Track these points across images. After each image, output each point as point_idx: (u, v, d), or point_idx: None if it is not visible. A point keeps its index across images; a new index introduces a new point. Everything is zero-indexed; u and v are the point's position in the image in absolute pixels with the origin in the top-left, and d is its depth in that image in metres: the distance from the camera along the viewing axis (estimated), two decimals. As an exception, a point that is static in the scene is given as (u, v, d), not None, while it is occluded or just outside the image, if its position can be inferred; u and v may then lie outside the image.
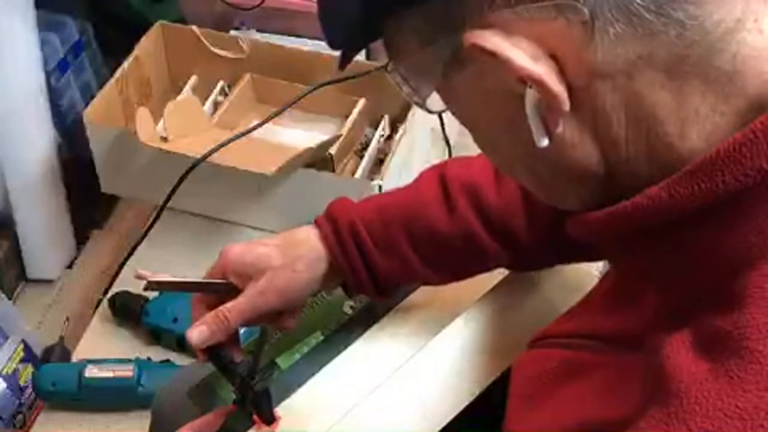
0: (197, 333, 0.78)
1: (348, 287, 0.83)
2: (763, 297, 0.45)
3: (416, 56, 0.52)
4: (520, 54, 0.47)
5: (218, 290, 0.81)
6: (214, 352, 0.80)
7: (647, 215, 0.49)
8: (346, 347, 0.87)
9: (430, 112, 0.59)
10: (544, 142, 0.50)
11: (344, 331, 0.88)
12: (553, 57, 0.47)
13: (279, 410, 0.82)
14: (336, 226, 0.81)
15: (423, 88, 0.55)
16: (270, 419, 0.81)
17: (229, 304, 0.79)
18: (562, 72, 0.48)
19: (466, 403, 0.83)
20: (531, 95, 0.49)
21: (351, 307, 0.92)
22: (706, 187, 0.46)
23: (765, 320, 0.45)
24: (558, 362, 0.63)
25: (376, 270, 0.81)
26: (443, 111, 0.57)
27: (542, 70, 0.47)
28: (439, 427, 0.82)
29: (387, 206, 0.82)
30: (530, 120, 0.49)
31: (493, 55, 0.47)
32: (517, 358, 0.70)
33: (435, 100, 0.57)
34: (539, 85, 0.47)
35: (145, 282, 0.80)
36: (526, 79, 0.48)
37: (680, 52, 0.46)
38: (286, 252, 0.80)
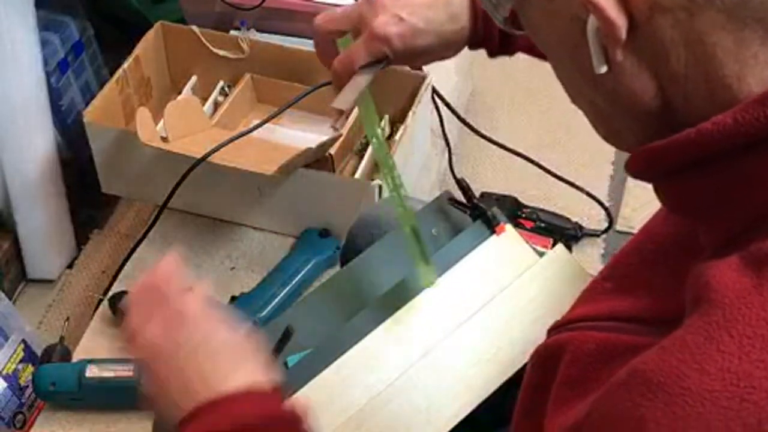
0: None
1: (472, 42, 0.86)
2: None
3: None
4: None
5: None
6: None
7: (712, 141, 0.50)
8: (351, 346, 0.87)
9: (509, 30, 0.62)
10: (602, 69, 0.52)
11: (352, 329, 0.88)
12: None
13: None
14: None
15: (502, 5, 0.59)
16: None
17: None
18: (625, 2, 0.49)
19: (470, 410, 0.83)
20: (592, 21, 0.51)
21: None
22: None
23: None
24: (595, 345, 0.62)
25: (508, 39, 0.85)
26: (524, 32, 0.59)
27: None
28: None
29: None
30: (590, 46, 0.52)
31: None
32: (537, 348, 0.68)
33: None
34: (597, 11, 0.49)
35: None
36: (586, 5, 0.49)
37: None
38: None
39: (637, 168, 0.57)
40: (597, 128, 0.60)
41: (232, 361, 0.67)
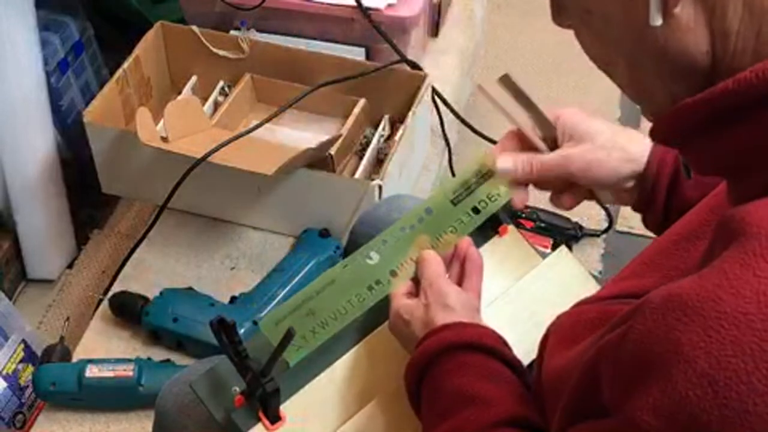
0: (505, 161, 0.86)
1: (637, 205, 0.88)
2: None
3: None
4: None
5: (541, 126, 0.86)
6: (229, 342, 0.80)
7: (752, 89, 0.51)
8: (352, 347, 0.87)
9: None
10: (658, 21, 0.53)
11: (353, 330, 0.88)
12: None
13: (283, 408, 0.82)
14: (668, 149, 0.82)
15: None
16: (275, 419, 0.81)
17: (540, 157, 0.85)
18: None
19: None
20: None
21: None
22: None
23: None
24: (596, 314, 0.65)
25: (676, 203, 0.84)
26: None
27: None
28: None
29: None
30: None
31: None
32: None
33: None
34: None
35: None
36: None
37: None
38: (616, 136, 0.84)
39: (670, 127, 0.57)
40: (626, 88, 0.61)
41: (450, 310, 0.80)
